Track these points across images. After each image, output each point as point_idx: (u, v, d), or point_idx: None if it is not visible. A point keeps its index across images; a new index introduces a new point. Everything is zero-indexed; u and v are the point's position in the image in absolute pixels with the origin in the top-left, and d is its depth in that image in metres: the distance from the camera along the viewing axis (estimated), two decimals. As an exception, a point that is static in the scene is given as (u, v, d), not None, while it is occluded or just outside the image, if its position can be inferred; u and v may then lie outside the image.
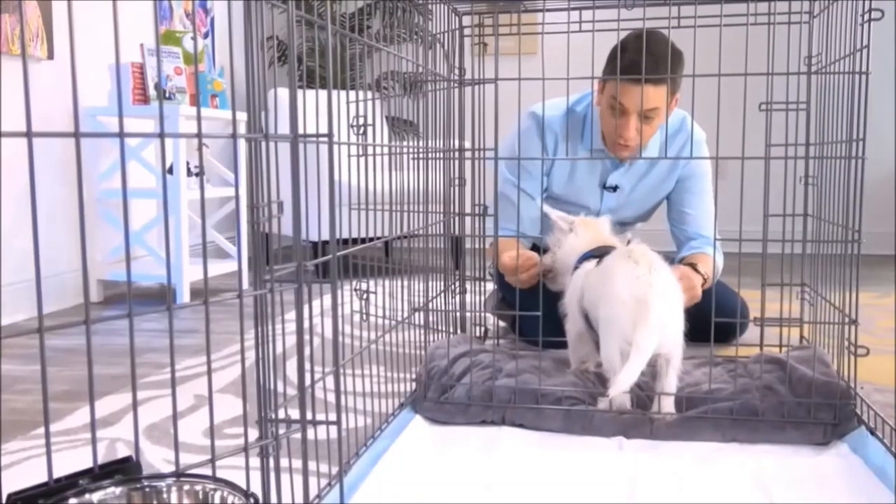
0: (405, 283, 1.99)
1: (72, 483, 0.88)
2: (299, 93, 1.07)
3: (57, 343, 2.57)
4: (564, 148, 2.30)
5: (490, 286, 2.63)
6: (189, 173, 3.52)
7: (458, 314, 2.27)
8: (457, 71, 2.15)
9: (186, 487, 0.94)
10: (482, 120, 2.01)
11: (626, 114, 2.11)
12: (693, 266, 2.19)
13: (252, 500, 0.92)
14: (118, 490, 0.90)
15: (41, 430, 1.75)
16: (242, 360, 1.04)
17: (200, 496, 0.94)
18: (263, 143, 1.07)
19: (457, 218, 2.19)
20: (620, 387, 1.54)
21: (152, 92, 3.28)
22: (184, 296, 3.25)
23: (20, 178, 2.93)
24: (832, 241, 1.74)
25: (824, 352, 1.81)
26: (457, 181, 2.17)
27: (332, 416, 1.12)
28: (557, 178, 2.36)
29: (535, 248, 2.32)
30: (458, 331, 2.26)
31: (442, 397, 1.77)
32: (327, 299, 2.83)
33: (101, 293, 3.39)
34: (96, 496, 0.89)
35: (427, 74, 2.01)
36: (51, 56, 3.07)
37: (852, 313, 1.64)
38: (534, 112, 2.30)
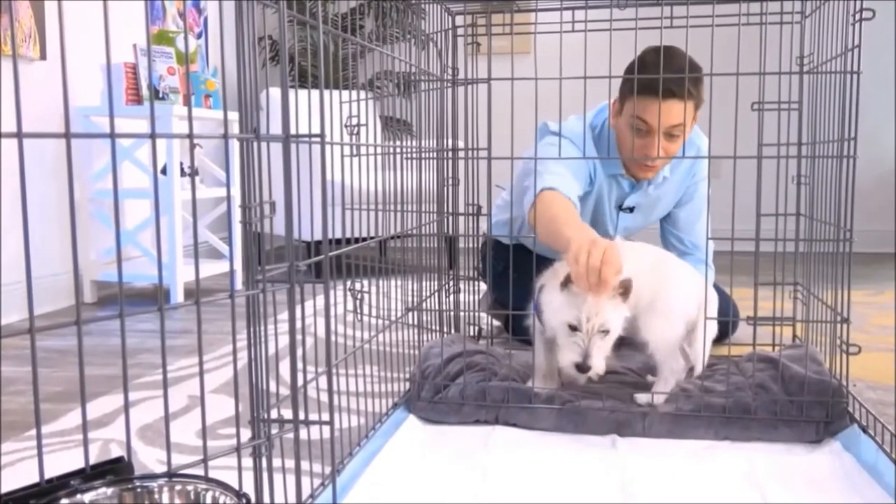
0: (399, 282, 1.99)
1: (63, 484, 0.88)
2: (293, 93, 1.07)
3: (51, 344, 2.56)
4: (596, 165, 2.22)
5: (483, 286, 2.63)
6: (183, 173, 3.52)
7: (451, 314, 2.27)
8: (450, 70, 2.15)
9: (178, 488, 0.94)
10: (475, 120, 2.01)
11: (650, 133, 2.04)
12: None
13: (244, 500, 0.92)
14: (110, 490, 0.90)
15: (34, 432, 1.74)
16: (234, 361, 1.04)
17: (192, 496, 0.94)
18: (255, 144, 1.07)
19: (450, 217, 2.19)
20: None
21: (146, 92, 3.27)
22: (178, 296, 3.25)
23: (12, 179, 2.92)
24: (824, 239, 1.75)
25: (817, 350, 1.82)
26: (450, 181, 2.17)
27: (326, 416, 1.12)
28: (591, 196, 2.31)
29: None
30: (452, 330, 2.26)
31: (436, 397, 1.78)
32: (321, 299, 2.83)
33: (95, 294, 3.38)
34: (88, 496, 0.89)
35: (420, 74, 2.01)
36: (43, 56, 3.06)
37: (844, 312, 1.65)
38: (562, 128, 2.14)
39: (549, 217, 1.89)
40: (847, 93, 1.62)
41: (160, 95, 3.28)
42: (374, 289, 1.88)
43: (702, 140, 2.33)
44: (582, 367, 1.60)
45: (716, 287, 2.33)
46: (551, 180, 2.00)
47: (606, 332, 1.61)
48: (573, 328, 1.61)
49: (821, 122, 1.80)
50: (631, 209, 2.34)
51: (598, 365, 1.61)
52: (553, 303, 1.67)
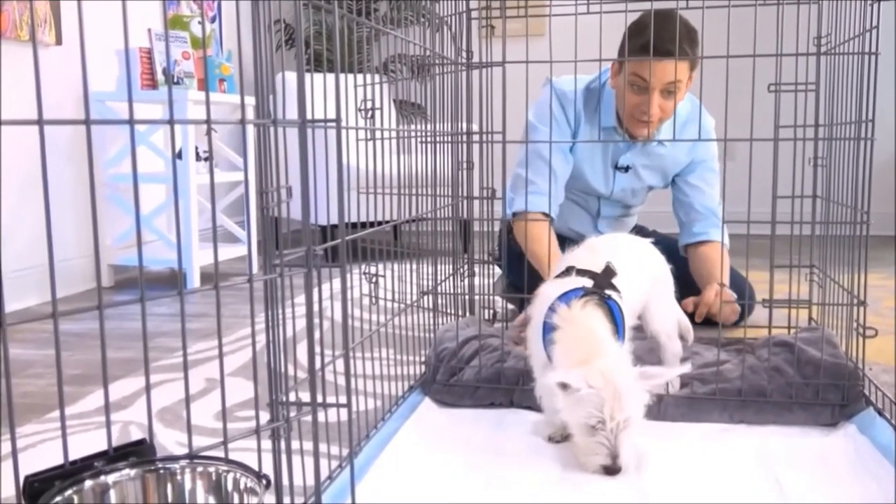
0: (414, 266, 2.00)
1: (87, 465, 0.89)
2: (307, 77, 1.07)
3: (67, 328, 2.59)
4: (584, 124, 2.29)
5: (497, 270, 2.64)
6: (198, 158, 3.53)
7: (466, 297, 2.27)
8: (464, 54, 2.15)
9: (200, 469, 0.95)
10: (490, 103, 2.00)
11: (647, 91, 2.10)
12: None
13: (264, 482, 0.93)
14: (133, 472, 0.92)
15: (54, 414, 1.77)
16: (253, 344, 1.05)
17: (214, 478, 0.95)
18: (272, 128, 1.07)
19: (465, 201, 2.19)
20: None
21: (160, 77, 3.28)
22: (194, 280, 3.27)
23: (25, 164, 2.94)
24: (841, 222, 1.74)
25: (832, 333, 1.82)
26: (465, 164, 2.17)
27: (343, 399, 1.13)
28: (578, 155, 2.35)
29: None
30: (467, 314, 2.26)
31: (451, 380, 1.78)
32: (336, 283, 2.84)
33: (111, 278, 3.41)
34: (112, 478, 0.90)
35: (434, 57, 2.01)
36: (59, 42, 3.07)
37: (861, 294, 1.64)
38: (556, 87, 2.28)
39: (530, 252, 2.14)
40: (865, 74, 1.61)
41: (175, 80, 3.29)
42: (389, 273, 1.89)
43: (707, 120, 2.32)
44: (613, 470, 1.38)
45: (732, 270, 2.33)
46: (531, 201, 2.19)
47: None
48: (594, 428, 1.39)
49: (838, 103, 1.78)
50: (626, 169, 2.35)
51: (629, 460, 1.40)
52: (559, 401, 1.43)
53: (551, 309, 1.51)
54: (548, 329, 1.51)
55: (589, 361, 1.40)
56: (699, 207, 2.37)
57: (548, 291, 1.58)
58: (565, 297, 1.52)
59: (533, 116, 2.26)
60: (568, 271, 1.63)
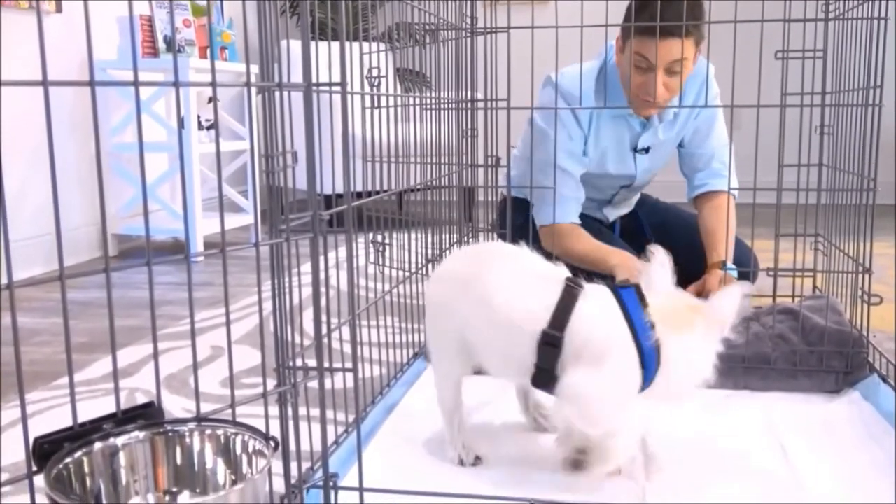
0: (418, 234, 2.00)
1: (96, 427, 0.90)
2: (311, 45, 1.06)
3: (73, 296, 2.59)
4: (593, 116, 2.23)
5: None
6: (200, 127, 3.51)
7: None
8: (469, 20, 2.13)
9: (208, 432, 0.96)
10: (494, 70, 1.99)
11: (651, 70, 2.05)
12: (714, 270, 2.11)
13: (272, 444, 0.93)
14: (141, 434, 0.92)
15: (62, 381, 1.78)
16: (260, 309, 1.05)
17: (222, 440, 0.96)
18: (277, 93, 1.06)
19: (469, 169, 2.18)
20: None
21: (161, 45, 3.26)
22: (198, 249, 3.27)
23: (30, 134, 2.93)
24: (847, 189, 1.73)
25: (837, 301, 1.82)
26: (469, 132, 2.15)
27: (349, 365, 1.13)
28: (602, 147, 2.30)
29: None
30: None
31: (456, 347, 1.78)
32: (341, 252, 2.84)
33: (115, 247, 3.41)
34: (120, 440, 0.91)
35: (439, 23, 1.99)
36: (59, 9, 3.05)
37: (866, 262, 1.64)
38: (561, 88, 2.21)
39: (579, 255, 2.12)
40: (875, 39, 1.59)
41: (177, 48, 3.27)
42: (393, 241, 1.89)
43: (708, 68, 2.29)
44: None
45: (736, 239, 2.32)
46: (559, 213, 2.15)
47: None
48: None
49: (846, 70, 1.77)
50: (646, 150, 2.32)
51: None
52: None
53: None
54: None
55: None
56: (701, 153, 2.33)
57: None
58: None
59: (542, 121, 2.18)
60: None
